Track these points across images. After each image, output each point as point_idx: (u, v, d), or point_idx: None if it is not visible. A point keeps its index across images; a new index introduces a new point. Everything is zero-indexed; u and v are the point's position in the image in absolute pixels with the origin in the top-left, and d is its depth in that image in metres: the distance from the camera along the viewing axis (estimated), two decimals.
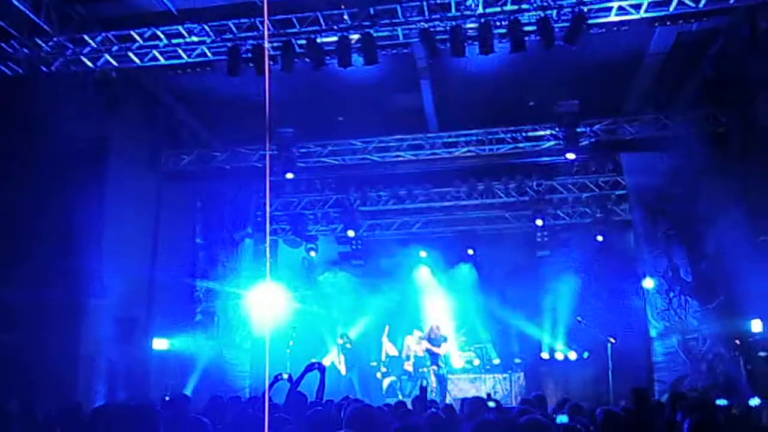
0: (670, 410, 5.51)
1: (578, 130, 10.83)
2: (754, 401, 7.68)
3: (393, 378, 12.94)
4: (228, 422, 5.65)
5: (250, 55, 8.97)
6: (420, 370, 12.58)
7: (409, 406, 6.45)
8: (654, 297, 10.90)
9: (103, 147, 9.85)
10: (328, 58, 8.99)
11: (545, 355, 14.17)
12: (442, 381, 12.39)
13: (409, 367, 12.78)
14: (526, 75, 10.72)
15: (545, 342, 14.21)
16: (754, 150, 10.00)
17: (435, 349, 12.41)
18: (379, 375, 13.17)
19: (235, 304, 12.16)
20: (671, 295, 10.84)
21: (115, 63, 9.46)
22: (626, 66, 10.75)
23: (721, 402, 6.80)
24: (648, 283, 10.99)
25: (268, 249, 14.35)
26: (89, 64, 9.43)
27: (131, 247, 10.67)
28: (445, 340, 12.82)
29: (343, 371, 13.21)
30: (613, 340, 11.12)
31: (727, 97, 10.78)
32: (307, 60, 9.03)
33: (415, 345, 12.88)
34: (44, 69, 9.36)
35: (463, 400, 6.94)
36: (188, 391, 10.36)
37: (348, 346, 13.30)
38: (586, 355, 13.56)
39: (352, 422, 3.76)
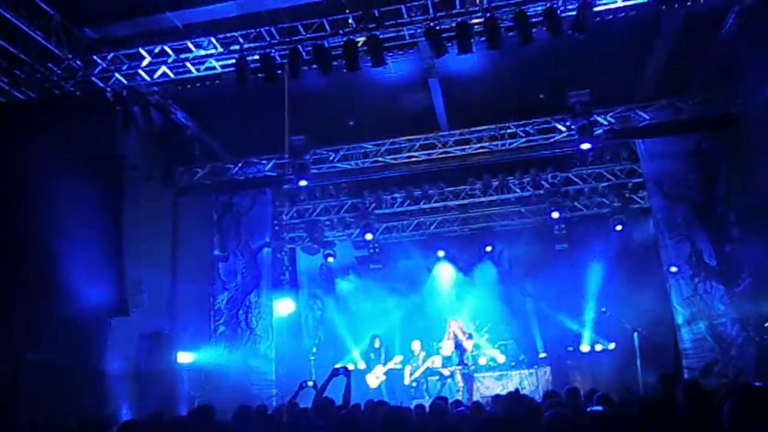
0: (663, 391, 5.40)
1: (591, 119, 10.72)
2: None
3: (419, 374, 12.87)
4: (255, 431, 5.66)
5: (258, 65, 9.01)
6: (448, 368, 12.51)
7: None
8: (678, 283, 10.73)
9: (119, 165, 9.95)
10: (335, 62, 9.01)
11: (570, 348, 14.04)
12: (468, 380, 12.33)
13: (438, 364, 12.69)
14: (534, 67, 10.66)
15: (570, 335, 14.09)
16: None
17: (464, 343, 12.42)
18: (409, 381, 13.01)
19: (257, 314, 12.19)
20: (696, 280, 10.66)
21: (125, 81, 9.57)
22: (636, 52, 10.64)
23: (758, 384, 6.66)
24: (672, 269, 10.84)
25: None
26: (100, 84, 9.54)
27: (151, 262, 10.77)
28: (470, 337, 12.80)
29: (374, 383, 13.12)
30: (639, 331, 11.01)
31: (740, 76, 10.63)
32: (314, 66, 9.05)
33: (447, 345, 12.77)
34: (56, 92, 9.49)
35: (494, 398, 6.89)
36: (215, 403, 10.39)
37: (398, 366, 13.17)
38: (612, 346, 13.41)
39: (387, 425, 3.74)
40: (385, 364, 13.23)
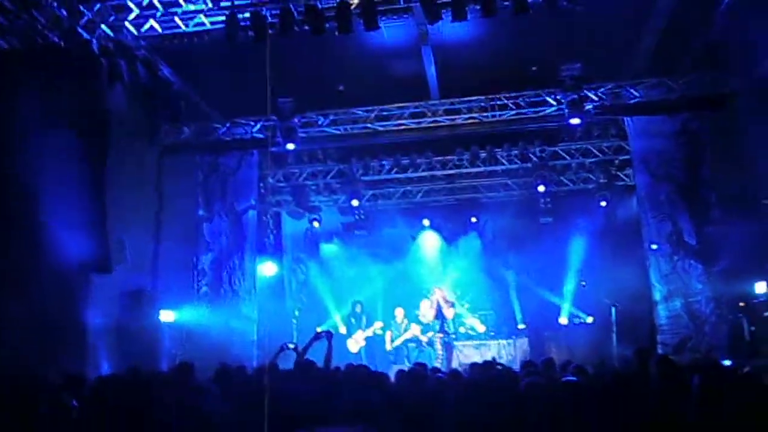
0: (636, 365, 5.54)
1: (582, 94, 10.71)
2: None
3: (400, 342, 13.03)
4: (234, 390, 5.72)
5: (248, 23, 8.83)
6: (427, 335, 12.67)
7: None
8: (658, 261, 10.91)
9: (103, 121, 9.76)
10: (327, 24, 8.86)
11: (549, 321, 14.28)
12: (448, 348, 12.53)
13: (417, 332, 12.83)
14: (528, 39, 10.57)
15: (550, 307, 14.32)
16: (759, 113, 9.90)
17: (446, 311, 12.56)
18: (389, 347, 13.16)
19: (240, 275, 12.21)
20: (675, 258, 10.83)
21: (111, 33, 9.34)
22: (630, 28, 10.57)
23: (726, 363, 6.86)
24: (653, 247, 11.00)
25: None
26: (86, 35, 9.30)
27: (135, 219, 10.69)
28: (453, 305, 12.97)
29: (354, 348, 13.27)
30: (616, 306, 11.22)
31: (732, 59, 10.63)
32: (306, 27, 8.90)
33: (428, 312, 12.90)
34: (40, 41, 9.24)
35: (472, 365, 7.02)
36: (196, 362, 10.46)
37: (378, 331, 13.28)
38: (590, 319, 13.65)
39: (350, 382, 3.79)
40: (365, 330, 13.37)
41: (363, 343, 13.34)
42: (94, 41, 9.44)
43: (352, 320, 13.72)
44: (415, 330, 12.82)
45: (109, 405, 4.16)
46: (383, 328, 13.29)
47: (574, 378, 5.11)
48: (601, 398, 4.58)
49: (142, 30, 9.31)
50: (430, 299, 13.07)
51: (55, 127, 9.18)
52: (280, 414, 2.19)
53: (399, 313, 13.33)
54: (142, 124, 11.58)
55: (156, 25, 9.26)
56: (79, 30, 9.21)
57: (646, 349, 6.96)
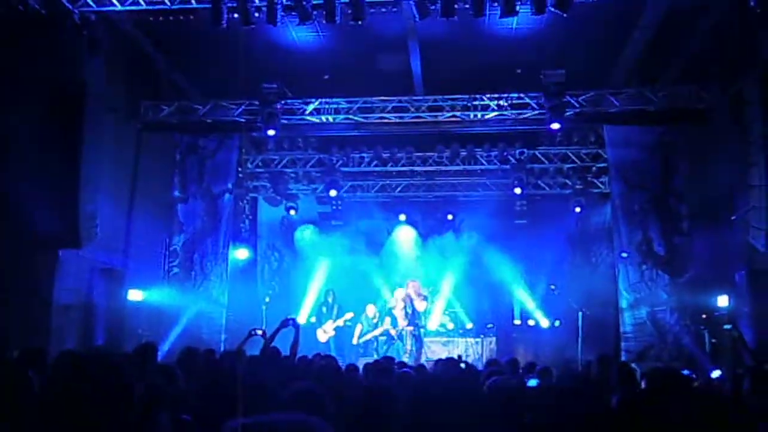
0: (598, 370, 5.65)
1: (563, 100, 10.82)
2: (716, 373, 7.94)
3: (369, 337, 13.07)
4: (200, 373, 5.70)
5: (235, 4, 8.73)
6: (396, 328, 12.73)
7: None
8: (627, 269, 11.10)
9: (81, 92, 9.58)
10: (315, 12, 8.80)
11: (517, 322, 14.45)
12: (418, 342, 12.59)
13: (387, 327, 12.88)
14: (514, 41, 10.65)
15: (518, 309, 14.49)
16: (735, 128, 10.11)
17: (417, 304, 12.61)
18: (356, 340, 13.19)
19: (212, 259, 12.11)
20: (643, 267, 11.05)
21: (93, 5, 9.16)
22: (616, 38, 10.70)
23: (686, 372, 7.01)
24: (623, 255, 11.19)
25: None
26: (68, 5, 9.11)
27: (108, 196, 10.54)
28: (425, 299, 13.02)
29: (323, 338, 13.28)
30: (584, 311, 11.40)
31: (713, 73, 10.83)
32: (293, 14, 8.83)
33: (398, 302, 12.94)
34: (20, 8, 9.02)
35: (437, 361, 7.08)
36: (165, 344, 10.40)
37: (347, 324, 13.30)
38: (557, 323, 13.85)
39: (319, 377, 3.81)
40: (335, 320, 13.38)
41: (332, 333, 13.35)
42: (76, 12, 9.24)
43: (323, 309, 13.72)
44: (386, 325, 12.86)
45: (70, 380, 4.11)
46: (353, 320, 13.31)
47: (536, 381, 5.20)
48: (562, 400, 4.67)
49: (126, 3, 9.15)
50: (404, 292, 13.08)
51: (30, 95, 8.99)
52: (237, 399, 2.19)
53: (371, 310, 13.33)
54: (122, 100, 11.40)
55: (140, 0, 9.10)
56: None
57: (608, 356, 7.08)
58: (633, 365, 6.46)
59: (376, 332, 12.93)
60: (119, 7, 9.17)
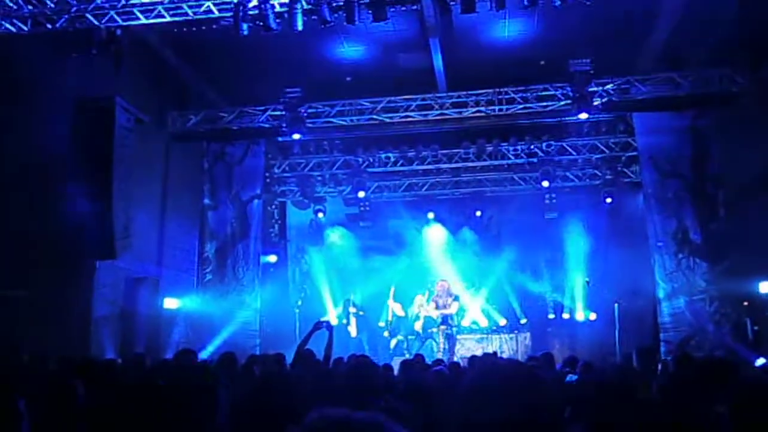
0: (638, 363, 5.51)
1: (590, 89, 10.65)
2: (760, 361, 7.74)
3: (400, 337, 13.06)
4: (237, 377, 5.75)
5: (256, 11, 8.81)
6: (429, 330, 12.68)
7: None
8: (663, 258, 10.87)
9: (110, 106, 9.79)
10: (335, 15, 8.82)
11: (551, 316, 14.27)
12: (450, 340, 12.52)
13: (418, 327, 12.87)
14: (537, 33, 10.52)
15: (552, 303, 14.30)
16: (766, 111, 9.84)
17: (446, 311, 12.49)
18: (386, 334, 13.28)
19: (244, 264, 12.25)
20: (680, 256, 10.80)
21: (119, 20, 9.33)
22: (641, 24, 10.50)
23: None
24: (658, 244, 10.97)
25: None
26: (94, 21, 9.30)
27: (141, 207, 10.73)
28: (456, 298, 12.85)
29: (354, 333, 13.39)
30: (620, 303, 11.20)
31: (741, 57, 10.55)
32: (314, 18, 8.86)
33: (425, 305, 12.90)
34: (49, 26, 9.26)
35: (472, 357, 7.03)
36: (206, 351, 10.55)
37: (361, 313, 13.41)
38: (593, 316, 13.64)
39: (350, 374, 3.79)
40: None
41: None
42: (103, 27, 9.43)
43: (344, 321, 13.78)
44: (429, 310, 12.71)
45: (116, 390, 4.17)
46: (383, 328, 13.37)
47: (574, 376, 5.12)
48: (603, 395, 4.58)
49: (151, 17, 9.29)
50: (435, 293, 12.99)
51: (61, 111, 9.21)
52: (277, 405, 2.20)
53: (419, 299, 13.16)
54: (150, 112, 11.59)
55: (164, 12, 9.24)
56: (88, 15, 9.20)
57: (647, 347, 6.96)
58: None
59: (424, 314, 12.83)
60: (144, 20, 9.31)
